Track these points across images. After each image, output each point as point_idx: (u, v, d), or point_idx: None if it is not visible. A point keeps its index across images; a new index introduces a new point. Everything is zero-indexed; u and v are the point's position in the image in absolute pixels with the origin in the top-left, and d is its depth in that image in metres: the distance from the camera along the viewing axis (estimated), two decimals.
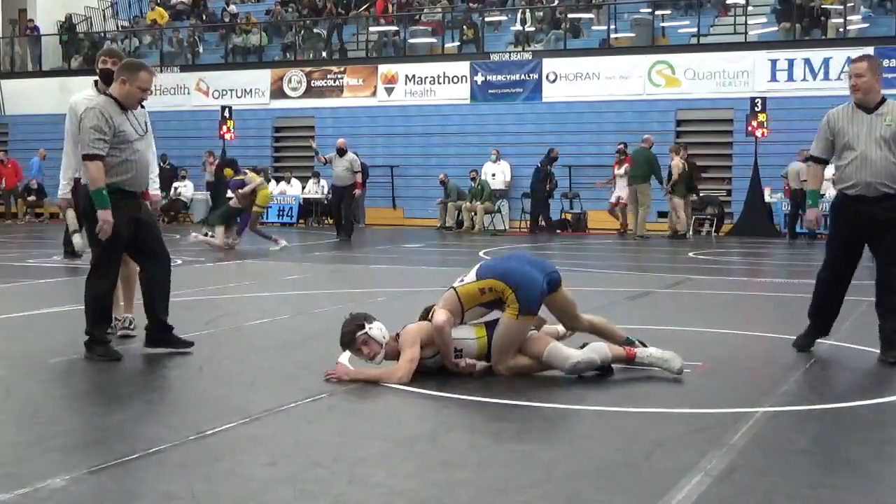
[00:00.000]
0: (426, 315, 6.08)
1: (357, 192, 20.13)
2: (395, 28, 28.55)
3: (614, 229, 22.04)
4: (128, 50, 29.09)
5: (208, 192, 25.35)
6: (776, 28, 24.69)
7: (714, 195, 22.83)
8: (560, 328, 6.34)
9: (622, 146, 22.08)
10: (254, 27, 29.79)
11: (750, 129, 21.16)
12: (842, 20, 23.76)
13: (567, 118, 24.76)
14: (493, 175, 24.14)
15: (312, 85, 27.40)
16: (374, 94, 26.75)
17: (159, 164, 7.92)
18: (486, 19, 27.79)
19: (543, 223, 22.80)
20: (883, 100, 6.54)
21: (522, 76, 25.39)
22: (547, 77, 25.09)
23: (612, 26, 25.83)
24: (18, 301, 9.58)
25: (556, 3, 27.49)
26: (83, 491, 3.74)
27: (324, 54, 28.57)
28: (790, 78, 23.11)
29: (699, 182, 21.57)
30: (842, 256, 6.64)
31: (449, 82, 26.01)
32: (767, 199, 22.00)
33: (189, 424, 4.70)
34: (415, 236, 21.20)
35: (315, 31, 29.22)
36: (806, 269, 14.61)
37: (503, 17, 28.29)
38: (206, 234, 17.18)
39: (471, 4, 28.46)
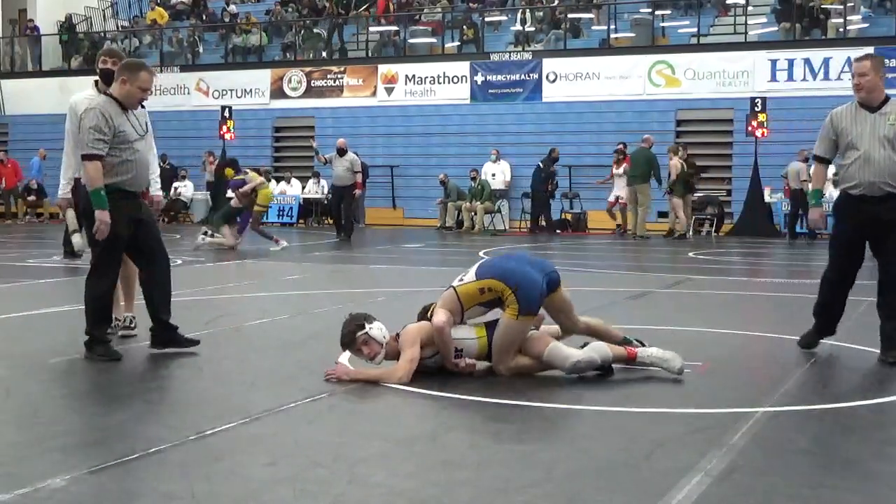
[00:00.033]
0: (425, 313, 6.08)
1: (357, 192, 20.14)
2: (395, 28, 28.56)
3: (611, 229, 22.07)
4: (128, 50, 29.09)
5: (208, 192, 25.37)
6: (776, 28, 24.70)
7: (714, 195, 22.84)
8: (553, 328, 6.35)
9: (621, 146, 22.11)
10: (254, 27, 29.79)
11: (750, 129, 21.17)
12: (842, 20, 23.77)
13: (567, 118, 24.76)
14: (493, 175, 24.14)
15: (312, 85, 27.40)
16: (374, 94, 26.75)
17: (159, 164, 7.91)
18: (486, 19, 27.79)
19: (544, 223, 22.81)
20: (887, 99, 6.50)
21: (522, 76, 25.40)
22: (547, 77, 25.10)
23: (612, 26, 25.84)
24: (18, 301, 9.58)
25: (556, 3, 27.49)
26: (83, 491, 3.74)
27: (324, 54, 28.58)
28: (790, 78, 23.12)
29: (697, 182, 21.57)
30: (846, 256, 6.61)
31: (449, 82, 26.01)
32: (767, 199, 22.01)
33: (189, 424, 4.70)
34: (415, 236, 21.20)
35: (315, 31, 29.23)
36: (806, 269, 14.63)
37: (503, 17, 28.29)
38: (205, 234, 17.19)
39: (471, 4, 28.46)
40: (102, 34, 32.24)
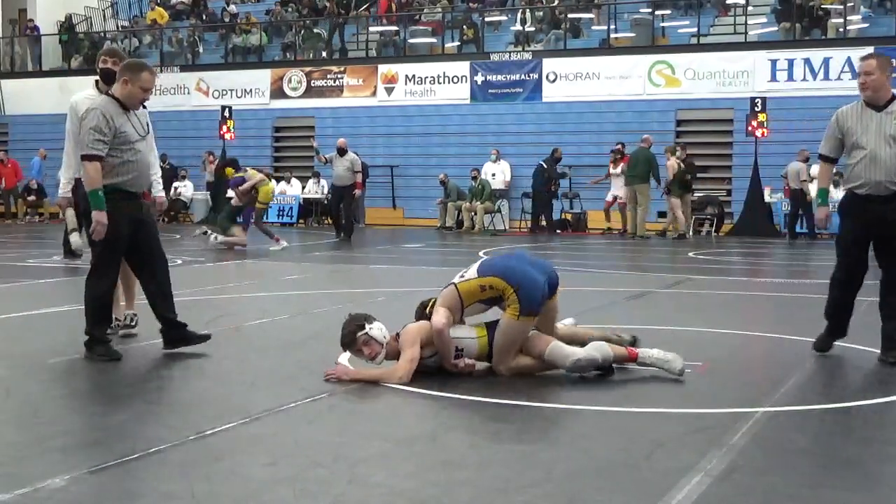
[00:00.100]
0: (423, 309, 6.08)
1: (357, 192, 20.13)
2: (395, 28, 28.56)
3: (616, 229, 22.07)
4: (128, 50, 29.08)
5: (208, 192, 25.37)
6: (776, 28, 24.70)
7: (714, 195, 22.84)
8: (559, 325, 6.35)
9: (619, 146, 22.11)
10: (254, 27, 29.79)
11: (750, 129, 21.17)
12: (842, 20, 23.77)
13: (567, 118, 24.77)
14: (493, 175, 24.15)
15: (312, 85, 27.40)
16: (374, 94, 26.75)
17: (159, 164, 7.90)
18: (486, 19, 27.79)
19: (544, 223, 22.81)
20: (893, 97, 6.46)
21: (522, 76, 25.40)
22: (547, 77, 25.10)
23: (612, 26, 25.84)
24: (18, 301, 9.58)
25: (556, 3, 27.49)
26: (83, 491, 3.74)
27: (324, 54, 28.58)
28: (790, 78, 23.12)
29: (694, 181, 21.55)
30: (853, 255, 6.57)
31: (449, 82, 26.01)
32: (767, 199, 22.01)
33: (189, 424, 4.70)
34: (415, 236, 21.20)
35: (315, 31, 29.22)
36: (806, 269, 14.64)
37: (503, 17, 28.29)
38: (205, 233, 17.22)
39: (471, 4, 28.46)
40: (102, 34, 32.24)
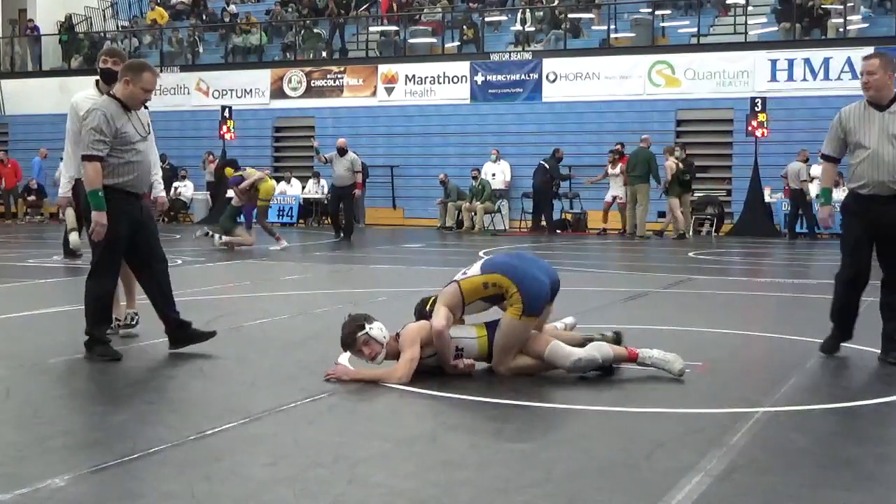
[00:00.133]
0: (423, 307, 6.08)
1: (357, 192, 20.13)
2: (395, 28, 28.56)
3: (612, 229, 22.08)
4: (128, 50, 29.08)
5: (208, 192, 25.37)
6: (776, 28, 24.71)
7: (714, 195, 22.85)
8: (558, 324, 6.35)
9: (618, 146, 22.11)
10: (254, 27, 29.79)
11: (750, 129, 21.18)
12: (842, 20, 23.77)
13: (567, 118, 24.78)
14: (493, 175, 24.15)
15: (312, 85, 27.40)
16: (374, 94, 26.76)
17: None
18: (486, 19, 27.80)
19: (544, 223, 22.81)
20: None
21: (522, 76, 25.40)
22: (547, 77, 25.11)
23: (612, 26, 25.84)
24: (18, 301, 9.58)
25: (556, 3, 27.49)
26: (83, 491, 3.74)
27: (324, 54, 28.58)
28: (790, 78, 23.13)
29: (693, 181, 21.54)
30: (857, 255, 6.55)
31: (449, 82, 26.02)
32: (767, 199, 22.02)
33: (189, 424, 4.70)
34: (415, 236, 21.20)
35: (315, 31, 29.23)
36: (806, 269, 14.63)
37: (503, 17, 28.30)
38: (206, 233, 17.23)
39: (471, 4, 28.47)
40: (102, 34, 32.25)
